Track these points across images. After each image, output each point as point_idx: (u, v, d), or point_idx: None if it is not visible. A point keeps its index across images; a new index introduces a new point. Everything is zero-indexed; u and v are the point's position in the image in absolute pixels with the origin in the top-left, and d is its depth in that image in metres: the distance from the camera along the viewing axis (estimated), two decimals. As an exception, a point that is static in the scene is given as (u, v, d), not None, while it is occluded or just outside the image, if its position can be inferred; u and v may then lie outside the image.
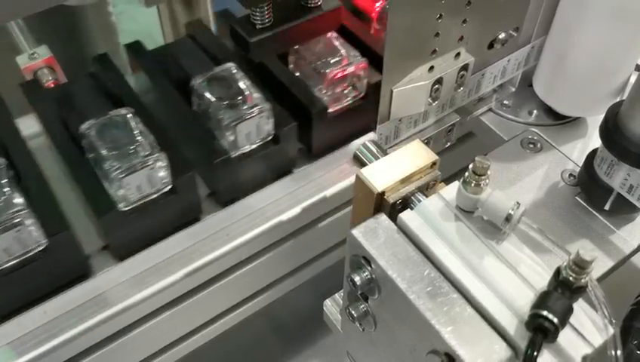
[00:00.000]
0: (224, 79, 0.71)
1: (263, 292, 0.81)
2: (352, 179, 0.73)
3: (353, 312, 0.57)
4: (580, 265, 0.46)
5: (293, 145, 0.74)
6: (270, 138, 0.72)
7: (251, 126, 0.69)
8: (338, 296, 0.68)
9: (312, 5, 0.72)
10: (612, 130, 0.67)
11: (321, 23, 0.73)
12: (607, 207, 0.73)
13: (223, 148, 0.70)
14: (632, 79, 0.75)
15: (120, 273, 0.68)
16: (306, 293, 0.88)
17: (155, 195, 0.67)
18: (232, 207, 0.73)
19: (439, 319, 0.48)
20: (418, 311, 0.49)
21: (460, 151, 0.87)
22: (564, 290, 0.47)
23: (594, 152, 0.73)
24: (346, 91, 0.75)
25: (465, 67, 0.76)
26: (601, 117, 0.70)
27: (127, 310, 0.66)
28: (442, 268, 0.52)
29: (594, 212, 0.74)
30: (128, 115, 0.69)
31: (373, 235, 0.53)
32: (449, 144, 0.85)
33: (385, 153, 0.62)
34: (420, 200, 0.56)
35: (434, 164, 0.58)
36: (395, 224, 0.55)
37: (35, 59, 0.82)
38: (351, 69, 0.74)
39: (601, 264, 0.70)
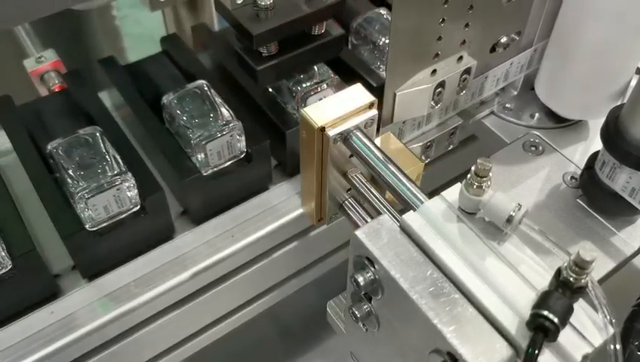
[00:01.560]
0: (195, 96, 0.72)
1: (267, 293, 0.81)
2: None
3: (357, 312, 0.57)
4: (581, 266, 0.46)
5: (267, 163, 0.75)
6: (242, 155, 0.72)
7: (222, 144, 0.70)
8: (342, 297, 0.68)
9: (317, 33, 0.73)
10: (613, 133, 0.68)
11: (324, 49, 0.74)
12: (608, 210, 0.74)
13: (194, 165, 0.70)
14: (633, 82, 0.75)
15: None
16: (309, 294, 0.88)
17: (123, 215, 0.68)
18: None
19: (441, 319, 0.48)
20: (421, 311, 0.49)
21: (463, 154, 0.87)
22: (564, 290, 0.47)
23: (595, 155, 0.73)
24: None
25: (467, 70, 0.76)
26: (603, 120, 0.70)
27: (138, 309, 0.67)
28: (444, 268, 0.52)
29: (595, 214, 0.75)
30: (97, 134, 0.69)
31: (377, 236, 0.54)
32: (452, 147, 0.85)
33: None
34: (357, 137, 0.60)
35: (372, 104, 0.61)
36: (398, 225, 0.55)
37: (42, 62, 0.83)
38: (323, 86, 0.75)
39: (602, 266, 0.70)
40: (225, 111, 0.71)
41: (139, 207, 0.67)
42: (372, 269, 0.53)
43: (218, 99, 0.72)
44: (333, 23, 0.75)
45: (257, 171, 0.75)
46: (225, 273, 0.73)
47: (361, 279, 0.54)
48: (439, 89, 0.75)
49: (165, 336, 0.74)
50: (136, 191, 0.66)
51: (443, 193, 0.56)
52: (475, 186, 0.53)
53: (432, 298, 0.50)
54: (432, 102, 0.75)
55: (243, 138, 0.71)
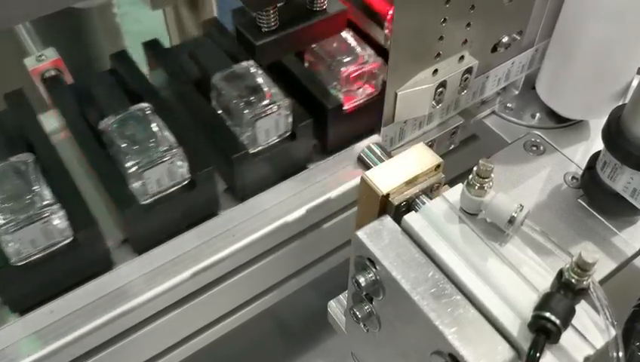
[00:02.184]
0: (242, 76, 0.73)
1: (268, 292, 0.81)
2: (355, 181, 0.74)
3: (358, 313, 0.57)
4: (583, 267, 0.46)
5: (309, 141, 0.76)
6: (288, 134, 0.74)
7: (270, 122, 0.71)
8: (342, 297, 0.69)
9: (318, 9, 0.72)
10: (615, 133, 0.68)
11: (326, 26, 0.74)
12: (609, 210, 0.74)
13: (242, 143, 0.71)
14: (635, 82, 0.75)
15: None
16: (310, 294, 0.88)
17: (174, 188, 0.69)
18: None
19: (443, 320, 0.49)
20: (422, 312, 0.50)
21: (464, 153, 0.88)
22: (566, 292, 0.48)
23: (596, 155, 0.73)
24: (360, 90, 0.77)
25: (469, 70, 0.76)
26: (604, 120, 0.70)
27: (133, 310, 0.66)
28: (446, 269, 0.52)
29: (596, 214, 0.74)
30: (147, 111, 0.71)
31: (378, 237, 0.54)
32: (453, 146, 0.86)
33: (389, 155, 0.62)
34: (424, 203, 0.57)
35: (438, 166, 0.58)
36: (400, 226, 0.55)
37: (42, 61, 0.83)
38: (367, 67, 0.76)
39: (603, 266, 0.70)
40: (273, 90, 0.72)
41: (189, 180, 0.69)
42: (373, 270, 0.54)
43: (266, 78, 0.74)
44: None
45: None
46: (225, 272, 0.73)
47: (362, 280, 0.54)
48: (440, 89, 0.75)
49: (165, 336, 0.74)
50: (186, 165, 0.68)
51: (444, 194, 0.57)
52: (476, 187, 0.53)
53: (433, 299, 0.50)
54: (433, 102, 0.75)
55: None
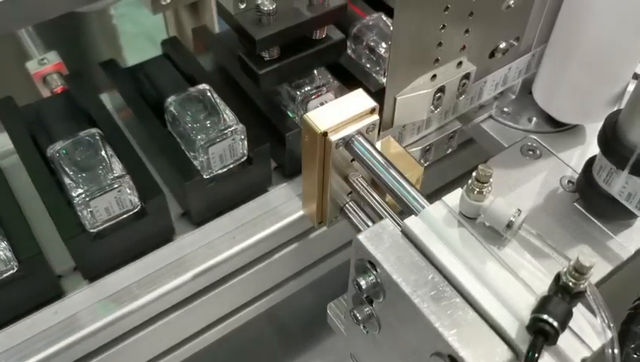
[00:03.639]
0: (198, 100, 0.73)
1: (267, 294, 0.82)
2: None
3: (358, 315, 0.57)
4: (580, 271, 0.47)
5: (267, 166, 0.76)
6: (244, 158, 0.73)
7: (224, 147, 0.70)
8: (342, 299, 0.69)
9: (317, 38, 0.74)
10: (610, 138, 0.68)
11: (326, 53, 0.75)
12: (605, 214, 0.74)
13: (196, 168, 0.71)
14: (631, 87, 0.76)
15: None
16: (308, 295, 0.89)
17: (124, 216, 0.68)
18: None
19: (443, 322, 0.49)
20: (422, 314, 0.50)
21: (461, 157, 0.88)
22: (564, 295, 0.48)
23: (592, 159, 0.74)
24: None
25: (467, 76, 0.77)
26: (600, 124, 0.71)
27: (138, 310, 0.67)
28: (446, 272, 0.52)
29: (592, 218, 0.75)
30: (97, 136, 0.69)
31: (379, 240, 0.54)
32: (450, 150, 0.86)
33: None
34: (359, 142, 0.61)
35: (373, 110, 0.62)
36: (400, 229, 0.55)
37: (44, 64, 0.84)
38: (323, 90, 0.76)
39: (599, 269, 0.70)
40: (227, 115, 0.71)
41: (139, 208, 0.67)
42: (374, 273, 0.54)
43: (220, 103, 0.72)
44: (334, 27, 0.76)
45: (257, 173, 0.75)
46: (225, 274, 0.74)
47: (363, 282, 0.54)
48: (439, 94, 0.75)
49: (165, 337, 0.75)
50: (136, 193, 0.67)
51: (444, 198, 0.57)
52: (475, 192, 0.53)
53: (433, 302, 0.50)
54: (431, 107, 0.76)
55: (245, 141, 0.71)
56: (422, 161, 0.82)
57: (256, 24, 0.68)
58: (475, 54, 0.77)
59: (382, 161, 0.61)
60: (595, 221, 0.75)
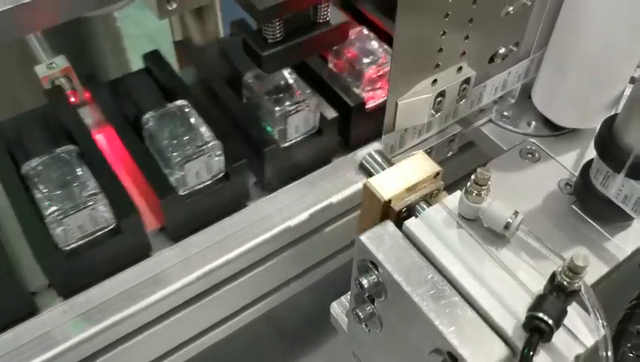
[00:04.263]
0: (175, 116, 0.73)
1: (270, 295, 0.82)
2: (356, 187, 0.76)
3: (360, 314, 0.59)
4: (574, 271, 0.48)
5: (244, 181, 0.76)
6: (221, 175, 0.74)
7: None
8: (344, 299, 0.70)
9: (321, 20, 0.74)
10: (607, 142, 0.69)
11: (329, 37, 0.75)
12: (601, 216, 0.75)
13: (172, 185, 0.71)
14: (627, 92, 0.76)
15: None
16: (309, 296, 0.89)
17: (99, 233, 0.67)
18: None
19: (442, 320, 0.50)
20: (422, 313, 0.51)
21: (462, 160, 0.89)
22: (559, 294, 0.49)
23: (590, 163, 0.74)
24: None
25: (467, 80, 0.77)
26: (597, 128, 0.71)
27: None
28: (445, 272, 0.53)
29: (589, 220, 0.75)
30: (73, 153, 0.70)
31: (380, 241, 0.55)
32: (451, 153, 0.87)
33: (389, 162, 0.64)
34: (423, 208, 0.58)
35: (437, 174, 0.60)
36: (401, 231, 0.56)
37: (53, 68, 0.84)
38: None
39: (596, 270, 0.71)
40: (204, 132, 0.71)
41: (114, 226, 0.67)
42: (376, 272, 0.55)
43: (198, 119, 0.73)
44: (338, 10, 0.76)
45: (235, 189, 0.76)
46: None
47: (365, 282, 0.55)
48: (439, 98, 0.76)
49: (164, 340, 0.75)
50: (111, 210, 0.67)
51: (444, 200, 0.58)
52: (474, 194, 0.54)
53: (433, 300, 0.51)
54: (432, 111, 0.76)
55: (222, 157, 0.71)
56: None
57: None
58: (474, 59, 0.77)
59: None
60: (592, 223, 0.75)
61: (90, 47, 1.28)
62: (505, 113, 0.91)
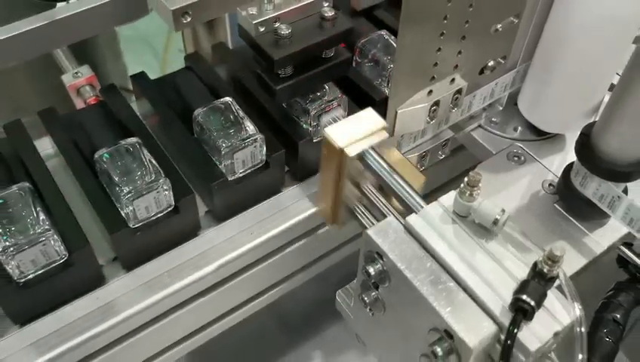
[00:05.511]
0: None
1: (275, 287, 0.86)
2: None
3: (366, 299, 0.63)
4: (553, 259, 0.52)
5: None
6: (262, 164, 0.78)
7: (246, 153, 0.75)
8: (348, 287, 0.73)
9: (326, 57, 0.78)
10: (586, 146, 0.71)
11: (333, 71, 0.80)
12: (581, 214, 0.77)
13: (221, 172, 0.76)
14: (606, 100, 0.78)
15: (130, 281, 0.72)
16: (309, 288, 0.92)
17: (160, 214, 0.72)
18: (227, 223, 0.78)
19: (439, 302, 0.55)
20: (422, 296, 0.55)
21: (453, 162, 0.91)
22: (539, 280, 0.53)
23: (570, 165, 0.76)
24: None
25: (459, 91, 0.80)
26: (578, 134, 0.73)
27: (139, 313, 0.71)
28: (442, 261, 0.58)
29: (570, 217, 0.78)
30: (136, 144, 0.73)
31: (385, 234, 0.60)
32: (443, 156, 0.90)
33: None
34: (371, 155, 0.66)
35: (384, 127, 0.68)
36: (403, 225, 0.61)
37: (78, 77, 0.88)
38: (333, 104, 0.80)
39: (575, 262, 0.74)
40: (249, 125, 0.76)
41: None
42: (381, 262, 0.60)
43: (242, 114, 0.77)
44: (342, 48, 0.80)
45: (273, 176, 0.80)
46: (244, 265, 0.78)
47: (371, 270, 0.60)
48: (434, 107, 0.79)
49: (185, 325, 0.79)
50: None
51: (440, 199, 0.63)
52: (467, 194, 0.59)
53: (431, 285, 0.56)
54: (427, 118, 0.79)
55: (264, 148, 0.76)
56: (418, 166, 0.86)
57: (274, 45, 0.73)
58: (466, 72, 0.80)
59: (390, 171, 0.66)
60: (573, 220, 0.78)
61: (86, 49, 1.28)
62: (493, 119, 0.93)
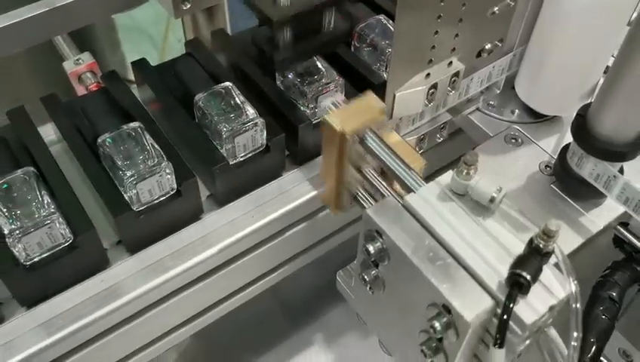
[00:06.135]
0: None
1: (276, 269, 0.86)
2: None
3: (366, 277, 0.64)
4: (548, 234, 0.53)
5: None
6: (262, 148, 0.78)
7: (247, 137, 0.75)
8: (349, 268, 0.74)
9: (325, 30, 0.80)
10: (582, 127, 0.72)
11: (330, 42, 0.81)
12: (577, 194, 0.78)
13: (222, 155, 0.76)
14: (602, 81, 0.78)
15: (134, 264, 0.73)
16: (310, 273, 0.94)
17: (163, 198, 0.72)
18: (229, 206, 0.79)
19: (437, 278, 0.55)
20: (421, 273, 0.56)
21: (451, 145, 0.92)
22: (535, 255, 0.53)
23: (567, 146, 0.77)
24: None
25: (456, 74, 0.81)
26: (574, 115, 0.73)
27: (143, 295, 0.71)
28: (439, 238, 0.58)
29: (566, 198, 0.79)
30: (138, 129, 0.74)
31: (384, 213, 0.61)
32: (442, 139, 0.91)
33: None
34: (371, 137, 0.67)
35: (382, 110, 0.69)
36: (401, 204, 0.62)
37: (79, 64, 0.89)
38: (331, 86, 0.80)
39: (572, 241, 0.74)
40: (249, 109, 0.76)
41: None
42: (380, 240, 0.61)
43: (242, 98, 0.78)
44: (339, 19, 0.81)
45: (274, 160, 0.80)
46: (245, 249, 0.78)
47: (371, 248, 0.61)
48: (432, 90, 0.79)
49: (188, 308, 0.80)
50: (173, 177, 0.71)
51: (437, 179, 0.63)
52: (464, 173, 0.60)
53: (429, 262, 0.57)
54: (425, 101, 0.80)
55: (264, 132, 0.77)
56: (417, 149, 0.87)
57: (272, 6, 0.74)
58: (463, 55, 0.80)
59: (390, 153, 0.67)
60: (569, 200, 0.78)
61: (84, 37, 1.28)
62: (491, 102, 0.94)
